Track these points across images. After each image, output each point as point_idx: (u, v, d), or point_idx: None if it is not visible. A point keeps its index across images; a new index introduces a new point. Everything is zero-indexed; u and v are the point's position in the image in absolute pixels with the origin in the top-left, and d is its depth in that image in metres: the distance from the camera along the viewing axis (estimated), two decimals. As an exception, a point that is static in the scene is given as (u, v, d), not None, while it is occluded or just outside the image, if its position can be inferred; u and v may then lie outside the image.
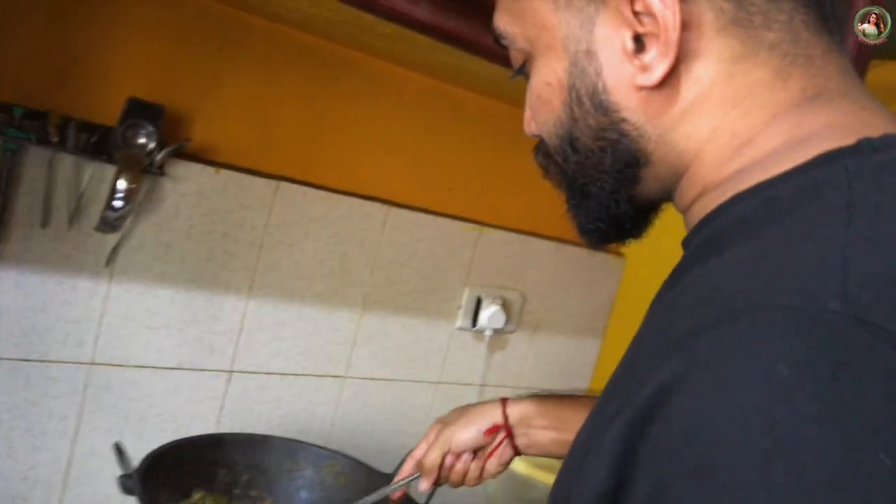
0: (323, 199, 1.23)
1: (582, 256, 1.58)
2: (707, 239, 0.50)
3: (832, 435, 0.35)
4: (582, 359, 1.65)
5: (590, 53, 0.52)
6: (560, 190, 0.61)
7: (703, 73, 0.50)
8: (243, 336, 1.19)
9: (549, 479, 1.36)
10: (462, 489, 0.95)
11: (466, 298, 1.42)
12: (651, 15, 0.49)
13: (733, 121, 0.51)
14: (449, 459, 0.91)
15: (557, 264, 1.55)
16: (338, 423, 1.33)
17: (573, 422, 0.86)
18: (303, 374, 1.27)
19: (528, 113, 0.62)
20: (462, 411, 0.94)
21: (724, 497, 0.36)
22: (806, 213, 0.44)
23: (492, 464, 0.91)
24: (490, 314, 1.42)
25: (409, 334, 1.38)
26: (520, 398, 0.93)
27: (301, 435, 1.28)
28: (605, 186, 0.56)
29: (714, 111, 0.51)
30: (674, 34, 0.48)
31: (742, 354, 0.37)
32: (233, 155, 1.14)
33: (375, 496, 0.94)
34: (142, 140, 1.02)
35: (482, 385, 1.49)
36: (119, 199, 1.00)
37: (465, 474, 0.92)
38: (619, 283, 1.65)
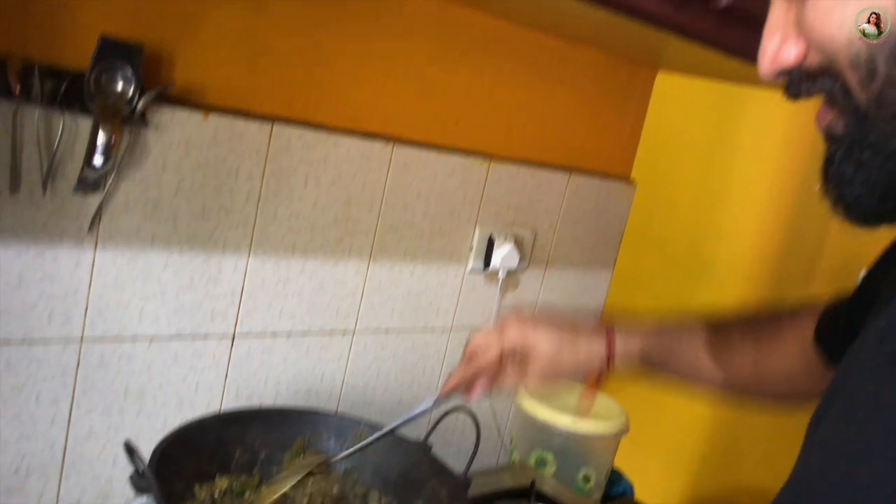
0: (322, 140, 1.10)
1: (593, 185, 1.48)
2: None
3: None
4: (594, 291, 1.57)
5: None
6: (835, 134, 0.48)
7: None
8: (245, 297, 1.08)
9: (566, 423, 1.30)
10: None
11: (478, 238, 1.32)
12: None
13: None
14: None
15: (568, 196, 1.45)
16: (349, 380, 1.25)
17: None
18: (310, 333, 1.17)
19: (775, 39, 0.49)
20: (559, 340, 0.85)
21: None
22: None
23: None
24: (504, 254, 1.32)
25: (418, 281, 1.28)
26: (630, 332, 0.84)
27: (311, 396, 1.20)
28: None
29: None
30: None
31: None
32: (221, 97, 1.00)
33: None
34: (119, 85, 0.88)
35: (494, 328, 1.41)
36: (99, 154, 0.86)
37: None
38: (630, 210, 1.56)
